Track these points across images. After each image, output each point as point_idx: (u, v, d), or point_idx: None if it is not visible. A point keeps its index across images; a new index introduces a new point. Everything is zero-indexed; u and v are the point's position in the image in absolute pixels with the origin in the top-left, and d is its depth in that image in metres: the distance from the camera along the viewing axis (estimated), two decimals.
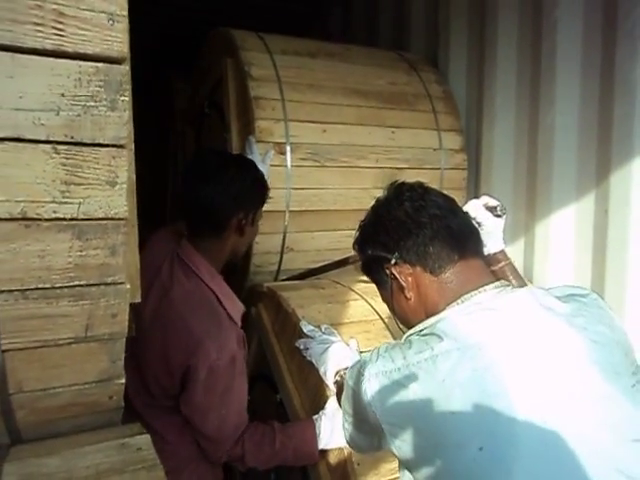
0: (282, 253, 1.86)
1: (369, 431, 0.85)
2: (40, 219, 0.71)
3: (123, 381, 0.96)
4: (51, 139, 0.68)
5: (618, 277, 1.71)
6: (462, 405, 0.72)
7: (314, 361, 1.28)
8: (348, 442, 0.97)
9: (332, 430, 1.20)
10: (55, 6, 0.64)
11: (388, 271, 0.90)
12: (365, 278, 1.53)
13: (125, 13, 0.68)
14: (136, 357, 1.27)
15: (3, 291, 0.73)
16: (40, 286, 0.75)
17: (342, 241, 1.93)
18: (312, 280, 1.76)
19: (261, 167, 1.63)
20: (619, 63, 1.72)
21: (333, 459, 1.26)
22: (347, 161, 1.91)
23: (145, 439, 0.92)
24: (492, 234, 1.10)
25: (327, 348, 1.27)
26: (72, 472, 0.82)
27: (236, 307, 1.35)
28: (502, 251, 1.14)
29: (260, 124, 1.75)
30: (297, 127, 1.82)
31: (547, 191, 1.91)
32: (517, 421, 0.70)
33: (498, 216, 1.08)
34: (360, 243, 0.98)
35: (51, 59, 0.66)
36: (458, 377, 0.74)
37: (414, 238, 0.87)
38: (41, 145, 0.68)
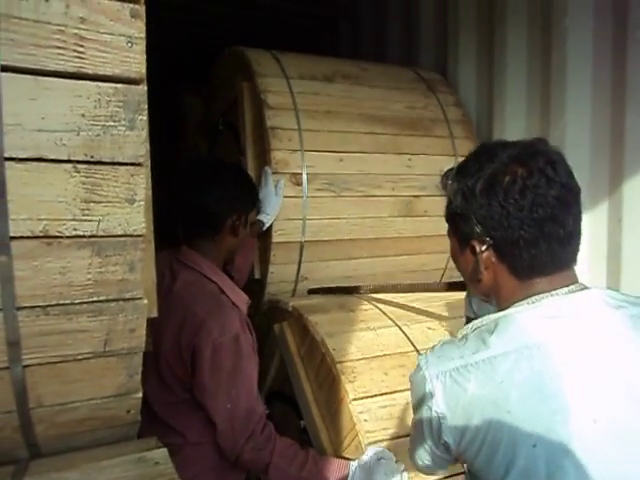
0: (297, 282, 1.86)
1: (428, 439, 0.84)
2: (61, 236, 0.72)
3: (140, 395, 0.97)
4: (72, 158, 0.70)
5: (634, 285, 1.69)
6: (518, 405, 0.73)
7: None
8: (421, 468, 0.93)
9: None
10: (76, 30, 0.66)
11: (471, 245, 0.83)
12: (400, 299, 1.50)
13: (143, 35, 0.70)
14: (156, 358, 1.30)
15: (25, 307, 0.75)
16: (61, 302, 0.76)
17: (357, 269, 1.92)
18: (340, 298, 1.69)
19: (273, 199, 1.69)
20: (630, 71, 1.72)
21: None
22: (363, 190, 1.90)
23: (162, 453, 0.93)
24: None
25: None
26: None
27: (239, 297, 1.38)
28: None
29: (276, 155, 1.74)
30: (314, 157, 1.81)
31: None
32: (569, 421, 0.72)
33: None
34: (461, 195, 0.84)
35: (72, 81, 0.68)
36: (515, 378, 0.74)
37: (516, 237, 0.79)
38: (62, 164, 0.70)
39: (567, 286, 0.80)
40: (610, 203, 1.80)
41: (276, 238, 1.77)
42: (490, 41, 2.23)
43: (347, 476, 1.19)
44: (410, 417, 1.19)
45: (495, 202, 0.80)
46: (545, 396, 0.73)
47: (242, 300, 1.39)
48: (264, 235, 1.78)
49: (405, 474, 1.15)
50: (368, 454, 1.18)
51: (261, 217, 1.69)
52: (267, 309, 1.67)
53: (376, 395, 1.26)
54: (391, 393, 1.27)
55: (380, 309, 1.55)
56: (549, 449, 0.72)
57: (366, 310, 1.55)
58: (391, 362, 1.34)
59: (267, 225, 1.72)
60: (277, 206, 1.71)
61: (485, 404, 0.75)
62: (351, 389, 1.24)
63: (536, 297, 0.80)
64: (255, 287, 1.81)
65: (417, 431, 0.87)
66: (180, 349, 1.28)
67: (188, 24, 3.26)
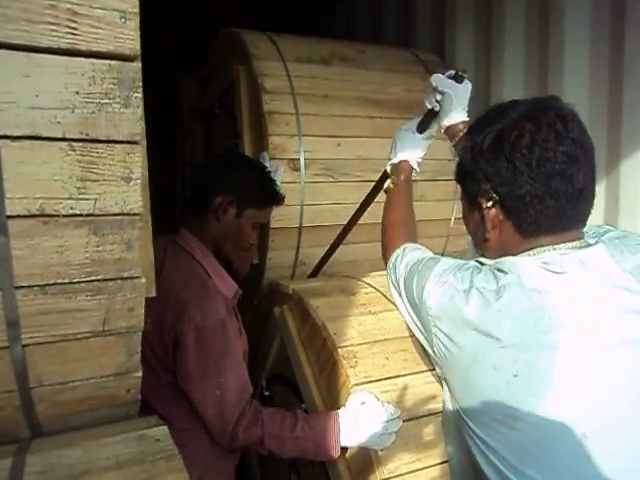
0: (295, 267, 1.87)
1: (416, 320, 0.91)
2: (58, 215, 0.72)
3: (140, 374, 0.97)
4: (67, 137, 0.69)
5: None
6: (508, 334, 0.75)
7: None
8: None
9: (354, 427, 1.17)
10: (69, 5, 0.65)
11: (479, 203, 0.85)
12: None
13: (137, 10, 0.69)
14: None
15: (23, 287, 0.75)
16: (59, 281, 0.76)
17: (355, 254, 1.93)
18: (341, 281, 1.68)
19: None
20: (627, 51, 1.71)
21: (354, 450, 1.22)
22: (361, 175, 1.90)
23: (163, 430, 0.94)
24: (456, 103, 1.08)
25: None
26: (92, 463, 0.83)
27: (227, 285, 1.37)
28: (465, 122, 1.12)
29: (274, 140, 1.74)
30: (311, 142, 1.81)
31: None
32: (561, 358, 0.73)
33: (461, 81, 1.04)
34: (470, 152, 0.86)
35: (66, 58, 0.67)
36: (513, 309, 0.75)
37: (523, 193, 0.78)
38: (57, 143, 0.69)
39: (571, 241, 0.80)
40: (607, 183, 1.80)
41: (274, 224, 1.78)
42: (488, 22, 2.21)
43: (336, 423, 1.20)
44: (411, 401, 1.20)
45: (502, 157, 0.79)
46: (539, 331, 0.74)
47: (229, 288, 1.37)
48: None
49: (389, 408, 1.16)
50: (351, 400, 1.19)
51: None
52: (267, 292, 1.67)
53: (378, 380, 1.25)
54: (393, 378, 1.27)
55: (381, 292, 1.54)
56: (529, 380, 0.73)
57: (367, 294, 1.54)
58: (393, 346, 1.34)
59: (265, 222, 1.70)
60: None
61: (475, 330, 0.77)
62: (352, 374, 1.24)
63: (538, 249, 0.80)
64: (253, 273, 1.81)
65: (406, 287, 0.94)
66: (162, 332, 1.27)
67: (183, 5, 3.21)
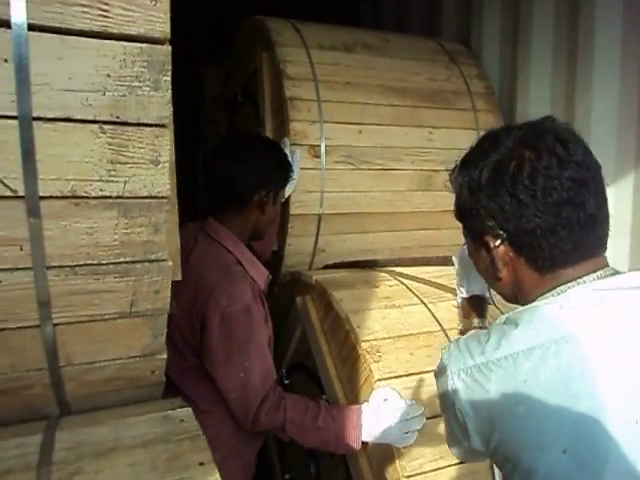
0: (314, 254, 1.86)
1: (460, 436, 0.78)
2: (88, 197, 0.74)
3: (165, 356, 0.99)
4: (98, 119, 0.71)
5: None
6: (544, 405, 0.67)
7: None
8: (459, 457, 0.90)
9: (375, 423, 1.17)
10: None
11: (486, 242, 0.77)
12: (425, 274, 1.39)
13: None
14: (168, 324, 1.32)
15: (54, 267, 0.77)
16: (88, 262, 0.78)
17: (374, 242, 1.91)
18: (363, 272, 1.66)
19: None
20: None
21: (376, 444, 1.21)
22: (382, 163, 1.87)
23: (187, 412, 0.96)
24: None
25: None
26: (119, 441, 0.85)
27: (259, 271, 1.38)
28: None
29: (295, 126, 1.72)
30: (332, 129, 1.79)
31: None
32: (605, 423, 0.64)
33: None
34: (467, 189, 0.79)
35: (97, 40, 0.68)
36: (540, 377, 0.67)
37: (532, 227, 0.72)
38: (89, 125, 0.70)
39: (595, 272, 0.72)
40: (636, 180, 1.75)
41: (294, 210, 1.76)
42: (515, 10, 2.16)
43: (359, 417, 1.19)
44: (436, 398, 1.18)
45: (503, 191, 0.73)
46: (574, 395, 0.65)
47: (261, 274, 1.39)
48: (282, 207, 1.78)
49: (413, 406, 1.15)
50: (374, 395, 1.19)
51: None
52: (288, 281, 1.67)
53: (402, 376, 1.24)
54: (417, 374, 1.25)
55: (406, 285, 1.52)
56: (581, 456, 0.64)
57: (391, 286, 1.52)
58: (417, 342, 1.32)
59: (285, 197, 1.71)
60: (294, 179, 1.68)
61: (507, 405, 0.69)
62: (376, 369, 1.23)
63: (561, 287, 0.72)
64: (271, 259, 1.82)
65: (448, 427, 0.81)
66: (191, 316, 1.29)
67: None
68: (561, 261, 0.73)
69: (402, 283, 1.54)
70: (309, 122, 1.76)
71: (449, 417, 0.77)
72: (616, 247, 1.82)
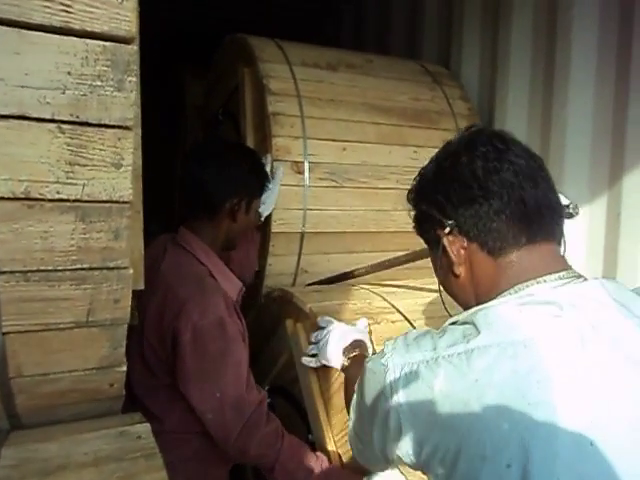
0: (296, 275, 1.81)
1: (378, 438, 0.73)
2: (43, 199, 0.70)
3: (124, 369, 0.95)
4: (56, 118, 0.67)
5: (629, 281, 1.68)
6: (494, 409, 0.61)
7: (318, 352, 1.21)
8: (355, 455, 0.86)
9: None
10: None
11: (439, 238, 0.77)
12: (421, 298, 1.37)
13: None
14: (140, 340, 1.27)
15: (5, 272, 0.72)
16: (42, 268, 0.74)
17: (359, 262, 1.85)
18: (360, 300, 1.54)
19: (271, 187, 1.60)
20: (635, 64, 1.69)
21: None
22: (366, 182, 1.85)
23: (145, 427, 0.91)
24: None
25: (329, 331, 1.20)
26: (70, 458, 0.81)
27: (232, 283, 1.34)
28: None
29: (277, 142, 1.69)
30: (316, 145, 1.76)
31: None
32: (558, 439, 0.59)
33: (570, 216, 0.84)
34: (415, 193, 0.83)
35: (58, 36, 0.65)
36: (494, 378, 0.62)
37: (476, 208, 0.72)
38: (46, 124, 0.67)
39: (557, 272, 0.70)
40: (609, 197, 1.78)
41: (275, 228, 1.71)
42: (494, 32, 2.20)
43: None
44: None
45: (446, 179, 0.76)
46: (529, 403, 0.60)
47: (233, 286, 1.34)
48: (263, 225, 1.73)
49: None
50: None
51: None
52: (277, 296, 1.57)
53: None
54: None
55: (410, 321, 1.43)
56: (528, 470, 0.58)
57: (394, 322, 1.42)
58: None
59: (265, 215, 1.66)
60: (274, 196, 1.64)
61: (453, 406, 0.63)
62: None
63: (521, 285, 0.69)
64: (252, 280, 1.76)
65: (363, 425, 0.76)
66: (162, 330, 1.24)
67: (189, 6, 3.21)
68: (511, 241, 0.71)
69: (406, 318, 1.44)
70: (292, 138, 1.73)
71: (374, 417, 0.72)
72: (590, 265, 1.84)
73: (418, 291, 1.65)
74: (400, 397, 0.67)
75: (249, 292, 1.56)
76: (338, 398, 1.22)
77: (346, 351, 1.15)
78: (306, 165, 1.74)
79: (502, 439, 0.60)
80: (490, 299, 0.71)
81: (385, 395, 0.69)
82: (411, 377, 0.67)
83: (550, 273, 0.70)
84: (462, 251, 0.75)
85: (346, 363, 1.14)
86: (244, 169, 1.37)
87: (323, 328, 1.25)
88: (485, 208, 0.71)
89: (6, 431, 0.92)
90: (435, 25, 2.55)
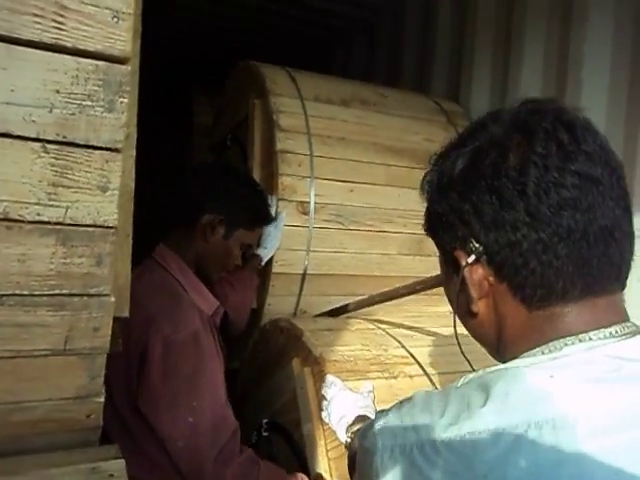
0: (295, 315, 1.77)
1: None
2: (23, 221, 0.66)
3: (102, 400, 0.90)
4: (41, 137, 0.64)
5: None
6: None
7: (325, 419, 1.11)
8: None
9: None
10: None
11: (455, 259, 0.57)
12: (442, 347, 1.30)
13: (131, 11, 0.65)
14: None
15: None
16: (17, 292, 0.70)
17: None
18: (376, 348, 1.46)
19: (273, 232, 1.57)
20: None
21: None
22: (372, 224, 1.81)
23: (119, 464, 0.86)
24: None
25: (329, 401, 1.10)
26: None
27: (206, 300, 1.26)
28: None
29: (284, 180, 1.66)
30: (323, 186, 1.72)
31: None
32: None
33: None
34: (432, 186, 0.63)
35: (48, 53, 0.62)
36: (509, 473, 0.45)
37: (518, 238, 0.51)
38: (30, 143, 0.64)
39: (608, 327, 0.51)
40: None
41: (276, 268, 1.68)
42: (505, 68, 2.19)
43: None
44: None
45: (481, 186, 0.53)
46: None
47: (209, 304, 1.26)
48: (265, 265, 1.68)
49: None
50: None
51: (259, 251, 1.59)
52: (286, 327, 1.49)
53: None
54: None
55: (423, 369, 1.37)
56: None
57: (412, 377, 1.35)
58: None
59: (265, 260, 1.61)
60: (276, 240, 1.59)
61: None
62: None
63: (557, 343, 0.51)
64: (250, 318, 1.71)
65: None
66: (128, 349, 1.12)
67: (200, 25, 3.24)
68: (559, 292, 0.51)
69: (424, 371, 1.38)
70: (299, 177, 1.69)
71: None
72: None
73: (438, 334, 1.57)
74: None
75: (246, 331, 1.52)
76: (342, 462, 1.14)
77: (349, 427, 1.05)
78: (312, 206, 1.70)
79: None
80: (515, 352, 0.55)
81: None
82: (403, 464, 0.52)
83: (598, 328, 0.51)
84: (485, 283, 0.55)
85: (349, 440, 1.03)
86: (238, 191, 1.31)
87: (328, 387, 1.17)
88: (529, 242, 0.51)
89: None
90: (446, 58, 2.55)
